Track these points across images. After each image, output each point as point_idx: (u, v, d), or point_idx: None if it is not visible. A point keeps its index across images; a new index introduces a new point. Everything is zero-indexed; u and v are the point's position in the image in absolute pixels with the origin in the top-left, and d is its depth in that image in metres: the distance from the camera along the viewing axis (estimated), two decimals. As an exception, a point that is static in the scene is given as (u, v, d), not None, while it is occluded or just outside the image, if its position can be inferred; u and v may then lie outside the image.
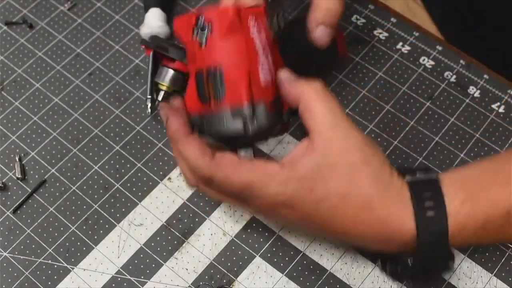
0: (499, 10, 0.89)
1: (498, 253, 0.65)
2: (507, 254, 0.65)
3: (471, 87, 0.74)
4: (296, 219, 0.57)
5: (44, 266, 0.65)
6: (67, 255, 0.66)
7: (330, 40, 0.63)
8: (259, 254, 0.66)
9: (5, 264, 0.65)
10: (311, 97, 0.56)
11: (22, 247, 0.66)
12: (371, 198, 0.54)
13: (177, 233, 0.67)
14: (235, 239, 0.66)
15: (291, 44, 0.63)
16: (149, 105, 0.72)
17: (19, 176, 0.69)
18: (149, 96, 0.73)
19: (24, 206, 0.68)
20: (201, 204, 0.68)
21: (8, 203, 0.69)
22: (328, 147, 0.55)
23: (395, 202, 0.55)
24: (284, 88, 0.59)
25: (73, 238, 0.67)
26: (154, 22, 0.76)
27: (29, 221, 0.68)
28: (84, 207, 0.68)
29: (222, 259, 0.66)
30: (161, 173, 0.70)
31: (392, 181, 0.55)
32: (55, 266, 0.65)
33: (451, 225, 0.54)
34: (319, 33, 0.62)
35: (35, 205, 0.68)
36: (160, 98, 0.73)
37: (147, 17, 0.77)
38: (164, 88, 0.72)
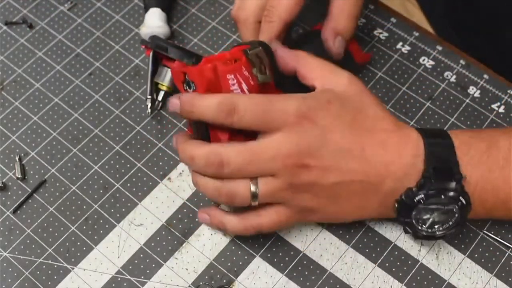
0: (499, 10, 0.89)
1: (498, 253, 0.65)
2: (507, 254, 0.65)
3: (471, 87, 0.74)
4: (317, 134, 0.59)
5: (44, 266, 0.65)
6: (67, 255, 0.66)
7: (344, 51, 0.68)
8: (259, 254, 0.66)
9: (5, 264, 0.65)
10: (307, 58, 0.64)
11: (22, 247, 0.66)
12: (382, 114, 0.62)
13: (177, 233, 0.67)
14: (235, 239, 0.66)
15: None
16: (149, 105, 0.72)
17: (19, 176, 0.69)
18: (149, 96, 0.73)
19: (24, 206, 0.68)
20: (201, 204, 0.68)
21: (8, 203, 0.69)
22: (336, 83, 0.62)
23: (400, 122, 0.63)
24: (279, 53, 0.64)
25: (73, 238, 0.67)
26: (154, 22, 0.76)
27: (29, 221, 0.68)
28: (84, 207, 0.68)
29: (222, 259, 0.66)
30: (161, 173, 0.70)
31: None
32: (55, 266, 0.65)
33: (455, 140, 0.61)
34: (337, 44, 0.67)
35: (35, 205, 0.68)
36: (160, 98, 0.73)
37: (147, 17, 0.77)
38: (164, 88, 0.72)
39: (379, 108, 0.62)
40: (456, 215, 0.61)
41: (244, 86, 0.61)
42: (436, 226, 0.62)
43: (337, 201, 0.62)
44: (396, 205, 0.62)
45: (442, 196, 0.60)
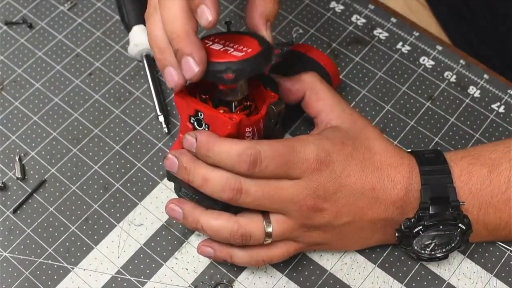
0: (500, 12, 0.89)
1: (498, 253, 0.65)
2: (507, 254, 0.65)
3: (471, 87, 0.74)
4: (334, 179, 0.59)
5: (44, 266, 0.65)
6: (67, 255, 0.66)
7: (324, 74, 0.68)
8: (259, 254, 0.66)
9: (5, 264, 0.65)
10: (316, 85, 0.64)
11: (22, 247, 0.66)
12: (386, 147, 0.62)
13: (177, 233, 0.67)
14: (235, 239, 0.66)
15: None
16: (163, 122, 0.71)
17: (19, 176, 0.69)
18: (160, 113, 0.72)
19: (24, 206, 0.68)
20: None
21: (8, 203, 0.69)
22: (342, 117, 0.63)
23: (404, 152, 0.64)
24: (286, 86, 0.64)
25: (73, 238, 0.67)
26: (142, 39, 0.74)
27: (29, 221, 0.68)
28: (84, 207, 0.68)
29: (222, 259, 0.66)
30: (161, 173, 0.70)
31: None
32: (55, 266, 0.65)
33: (455, 168, 0.61)
34: (269, 32, 0.61)
35: (35, 205, 0.68)
36: None
37: (132, 36, 0.75)
38: None
39: (383, 141, 0.63)
40: (458, 237, 0.62)
41: (256, 136, 0.60)
42: (437, 249, 0.63)
43: (345, 236, 0.63)
44: (397, 234, 0.62)
45: (441, 226, 0.60)
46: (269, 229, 0.60)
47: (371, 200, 0.61)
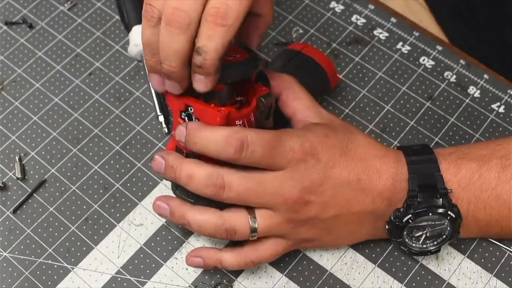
0: (500, 12, 0.89)
1: (498, 253, 0.65)
2: (507, 254, 0.65)
3: (471, 87, 0.74)
4: (319, 170, 0.59)
5: (44, 266, 0.65)
6: (67, 255, 0.66)
7: (321, 71, 0.69)
8: (259, 254, 0.66)
9: (5, 264, 0.65)
10: (293, 85, 0.64)
11: (22, 247, 0.66)
12: (370, 140, 0.63)
13: (177, 233, 0.67)
14: (235, 239, 0.66)
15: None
16: (163, 123, 0.71)
17: (19, 176, 0.69)
18: (160, 113, 0.72)
19: (24, 206, 0.68)
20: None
21: (8, 203, 0.69)
22: (319, 116, 0.63)
23: (389, 147, 0.65)
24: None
25: (73, 238, 0.67)
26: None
27: (29, 221, 0.68)
28: (84, 207, 0.68)
29: (222, 259, 0.65)
30: (161, 173, 0.70)
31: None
32: (55, 266, 0.65)
33: (443, 161, 0.61)
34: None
35: (35, 205, 0.68)
36: None
37: (132, 36, 0.75)
38: None
39: (365, 136, 0.63)
40: (448, 228, 0.61)
41: (246, 126, 0.60)
42: (429, 242, 0.63)
43: (333, 230, 0.62)
44: (387, 226, 0.62)
45: (430, 214, 0.60)
46: (254, 224, 0.59)
47: (358, 192, 0.60)
